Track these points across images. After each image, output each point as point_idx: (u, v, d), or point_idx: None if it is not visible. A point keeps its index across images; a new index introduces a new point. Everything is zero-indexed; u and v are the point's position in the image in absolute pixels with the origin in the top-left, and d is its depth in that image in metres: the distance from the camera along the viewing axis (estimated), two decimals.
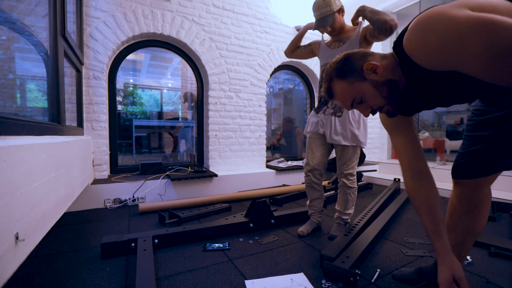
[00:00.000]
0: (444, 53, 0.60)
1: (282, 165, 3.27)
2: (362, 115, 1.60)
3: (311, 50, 1.81)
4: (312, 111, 1.74)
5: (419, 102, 0.86)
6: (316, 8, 1.57)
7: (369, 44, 1.57)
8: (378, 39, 1.50)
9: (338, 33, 1.63)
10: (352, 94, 0.83)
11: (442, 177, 2.39)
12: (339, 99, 0.87)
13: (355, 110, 1.50)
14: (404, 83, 0.81)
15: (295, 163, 3.47)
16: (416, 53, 0.67)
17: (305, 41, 3.46)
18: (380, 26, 1.37)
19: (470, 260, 1.21)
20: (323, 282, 1.12)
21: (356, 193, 1.66)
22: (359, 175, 3.04)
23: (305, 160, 1.73)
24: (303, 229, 1.67)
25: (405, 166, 0.96)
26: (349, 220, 1.68)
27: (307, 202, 1.76)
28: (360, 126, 1.60)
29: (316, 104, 1.71)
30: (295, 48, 1.87)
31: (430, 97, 0.82)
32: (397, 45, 0.74)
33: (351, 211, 1.67)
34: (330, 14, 1.53)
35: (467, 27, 0.56)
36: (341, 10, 1.59)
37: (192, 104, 3.73)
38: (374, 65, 0.79)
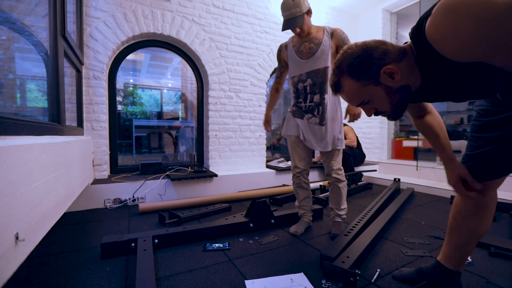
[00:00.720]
0: (477, 40, 0.53)
1: (282, 165, 3.27)
2: (340, 120, 1.68)
3: (285, 63, 1.78)
4: (289, 113, 1.74)
5: (428, 96, 0.84)
6: (285, 8, 1.55)
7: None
8: None
9: (306, 35, 1.63)
10: (362, 96, 0.79)
11: (443, 177, 2.39)
12: (347, 97, 0.83)
13: (332, 117, 1.63)
14: (419, 83, 0.77)
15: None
16: (442, 40, 0.59)
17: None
18: None
19: (470, 260, 1.22)
20: (323, 282, 1.12)
21: (346, 187, 1.73)
22: (359, 175, 3.05)
23: (292, 163, 1.77)
24: (296, 228, 1.70)
25: (409, 110, 1.01)
26: (345, 216, 1.72)
27: (296, 204, 1.82)
28: (341, 129, 1.67)
29: (292, 107, 1.74)
30: (276, 91, 1.88)
31: (442, 92, 0.79)
32: (418, 32, 0.65)
33: (345, 205, 1.72)
34: (299, 15, 1.52)
35: (506, 12, 0.48)
36: (309, 12, 1.58)
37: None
38: (392, 69, 0.73)
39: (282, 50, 1.76)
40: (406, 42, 0.77)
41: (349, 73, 0.77)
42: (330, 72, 1.57)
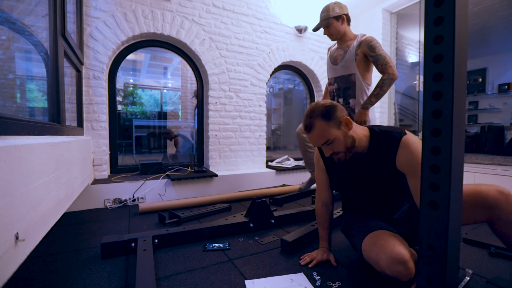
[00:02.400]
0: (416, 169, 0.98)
1: (287, 164, 3.27)
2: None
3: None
4: None
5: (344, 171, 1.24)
6: (320, 12, 1.78)
7: (369, 61, 1.74)
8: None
9: (340, 39, 1.80)
10: (327, 136, 1.06)
11: None
12: (315, 136, 1.08)
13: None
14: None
15: (295, 163, 3.47)
16: (404, 158, 1.03)
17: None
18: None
19: (468, 278, 1.16)
20: (314, 274, 1.12)
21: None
22: None
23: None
24: (301, 185, 2.09)
25: (320, 195, 1.33)
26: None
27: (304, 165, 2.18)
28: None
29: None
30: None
31: (349, 175, 1.22)
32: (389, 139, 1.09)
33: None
34: (325, 19, 1.72)
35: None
36: (341, 18, 1.74)
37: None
38: (349, 120, 1.08)
39: (328, 53, 1.96)
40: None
41: (321, 116, 1.06)
42: (354, 79, 1.73)
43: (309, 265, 1.24)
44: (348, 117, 1.07)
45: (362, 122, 1.72)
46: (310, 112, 1.08)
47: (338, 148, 1.08)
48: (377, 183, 1.15)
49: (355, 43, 1.72)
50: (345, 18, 1.74)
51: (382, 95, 1.67)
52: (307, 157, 2.12)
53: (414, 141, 1.03)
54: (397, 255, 0.90)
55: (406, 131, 1.07)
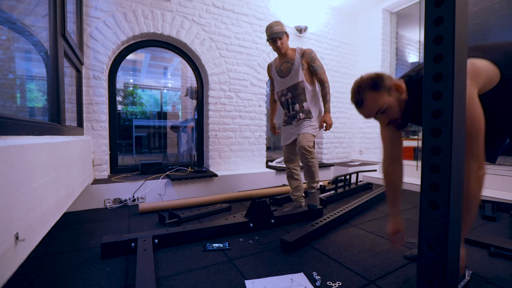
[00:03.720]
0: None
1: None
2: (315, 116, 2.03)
3: (272, 80, 2.19)
4: (282, 124, 2.18)
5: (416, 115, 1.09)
6: (269, 27, 1.94)
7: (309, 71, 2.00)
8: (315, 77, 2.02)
9: (284, 54, 2.00)
10: (379, 105, 1.02)
11: None
12: (368, 108, 1.04)
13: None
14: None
15: None
16: None
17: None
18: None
19: (468, 278, 1.16)
20: (314, 274, 1.12)
21: (317, 165, 2.00)
22: (353, 176, 3.05)
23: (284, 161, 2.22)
24: (286, 209, 2.09)
25: (387, 153, 1.22)
26: (318, 186, 2.03)
27: (290, 191, 2.17)
28: (315, 121, 2.02)
29: (284, 118, 2.16)
30: (274, 101, 2.30)
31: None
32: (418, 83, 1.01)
33: (318, 178, 2.00)
34: (280, 31, 1.92)
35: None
36: (287, 35, 1.98)
37: (194, 101, 3.72)
38: (400, 85, 1.01)
39: (269, 69, 2.19)
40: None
41: (370, 87, 1.02)
42: (303, 85, 1.98)
43: (403, 242, 1.28)
44: (397, 82, 1.02)
45: (330, 125, 2.00)
46: (357, 87, 1.05)
47: (393, 115, 1.05)
48: None
49: (297, 55, 1.97)
50: (288, 35, 1.99)
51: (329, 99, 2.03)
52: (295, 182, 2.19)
53: None
54: None
55: None
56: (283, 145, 2.18)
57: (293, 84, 1.99)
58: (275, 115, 2.35)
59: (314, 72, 1.98)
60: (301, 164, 2.07)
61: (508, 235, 1.64)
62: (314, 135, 1.97)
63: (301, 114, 2.00)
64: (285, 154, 2.17)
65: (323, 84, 1.99)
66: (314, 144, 1.99)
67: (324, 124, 2.01)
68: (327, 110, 2.00)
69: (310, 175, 1.97)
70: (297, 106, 2.01)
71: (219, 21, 2.92)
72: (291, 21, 3.42)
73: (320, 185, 2.83)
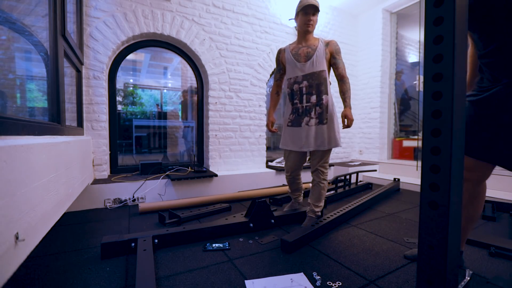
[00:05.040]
0: None
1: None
2: (337, 121, 1.79)
3: (283, 66, 1.92)
4: (286, 125, 1.88)
5: None
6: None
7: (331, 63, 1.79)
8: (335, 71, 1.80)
9: (306, 37, 1.78)
10: None
11: None
12: None
13: (331, 117, 1.74)
14: None
15: None
16: None
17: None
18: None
19: (468, 278, 1.16)
20: (314, 274, 1.12)
21: (327, 188, 1.84)
22: (353, 176, 3.05)
23: (285, 167, 1.98)
24: (286, 208, 2.01)
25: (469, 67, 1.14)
26: (319, 213, 1.83)
27: (289, 191, 2.05)
28: (339, 129, 1.78)
29: (290, 116, 1.87)
30: (277, 94, 2.02)
31: None
32: None
33: (322, 203, 1.83)
34: (318, 6, 1.73)
35: None
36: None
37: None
38: None
39: (281, 53, 1.90)
40: None
41: None
42: (325, 75, 1.73)
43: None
44: None
45: (350, 121, 1.71)
46: None
47: None
48: None
49: (321, 43, 1.75)
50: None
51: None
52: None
53: None
54: None
55: None
56: (287, 149, 1.88)
57: (313, 72, 1.72)
58: (274, 109, 2.03)
59: (335, 66, 1.75)
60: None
61: (508, 235, 1.64)
62: (331, 150, 1.78)
63: (317, 108, 1.72)
64: (291, 161, 1.87)
65: (343, 80, 1.74)
66: None
67: (345, 120, 1.71)
68: (348, 105, 1.72)
69: (317, 198, 1.79)
70: (313, 98, 1.72)
71: (219, 21, 2.92)
72: (291, 21, 3.42)
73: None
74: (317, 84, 1.72)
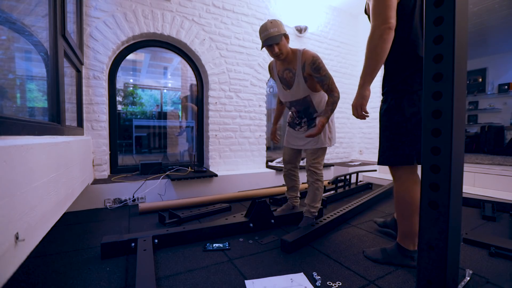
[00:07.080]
0: None
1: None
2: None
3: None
4: (287, 124, 1.99)
5: None
6: (263, 29, 1.59)
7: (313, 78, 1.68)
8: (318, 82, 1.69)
9: (285, 59, 1.69)
10: None
11: None
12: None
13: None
14: None
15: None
16: None
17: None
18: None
19: (468, 278, 1.16)
20: (314, 274, 1.12)
21: (323, 189, 1.84)
22: (354, 176, 3.05)
23: (282, 160, 2.06)
24: (280, 210, 1.98)
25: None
26: (316, 213, 1.81)
27: (285, 191, 2.09)
28: (332, 129, 1.81)
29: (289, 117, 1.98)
30: (281, 103, 2.07)
31: None
32: None
33: (318, 204, 1.83)
34: (277, 35, 1.57)
35: None
36: (286, 36, 1.65)
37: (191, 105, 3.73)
38: None
39: (271, 71, 1.91)
40: None
41: None
42: (309, 98, 1.71)
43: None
44: None
45: (318, 129, 1.61)
46: None
47: None
48: None
49: (299, 63, 1.65)
50: (288, 36, 1.67)
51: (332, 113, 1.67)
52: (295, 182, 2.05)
53: None
54: None
55: None
56: (285, 146, 2.00)
57: (298, 99, 1.73)
58: (279, 119, 2.07)
59: (320, 83, 1.64)
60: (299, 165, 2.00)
61: (508, 235, 1.64)
62: (324, 150, 1.78)
63: (308, 124, 1.81)
64: (286, 154, 1.98)
65: (331, 94, 1.62)
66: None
67: (316, 125, 1.69)
68: (326, 116, 1.62)
69: (312, 198, 1.79)
70: (304, 121, 1.81)
71: (219, 21, 2.92)
72: (291, 21, 3.42)
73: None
74: (304, 108, 1.76)
